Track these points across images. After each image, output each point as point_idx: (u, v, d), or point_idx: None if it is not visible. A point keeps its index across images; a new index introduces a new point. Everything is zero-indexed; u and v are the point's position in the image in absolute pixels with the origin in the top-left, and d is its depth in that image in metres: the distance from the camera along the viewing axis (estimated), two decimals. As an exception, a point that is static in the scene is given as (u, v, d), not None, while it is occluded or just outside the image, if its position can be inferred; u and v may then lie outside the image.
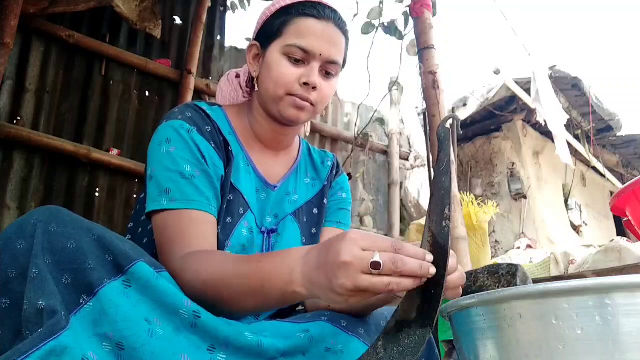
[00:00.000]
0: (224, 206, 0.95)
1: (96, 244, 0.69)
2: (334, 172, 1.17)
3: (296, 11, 0.99)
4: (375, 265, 0.62)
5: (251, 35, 1.10)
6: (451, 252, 0.67)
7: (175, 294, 0.72)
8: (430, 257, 0.66)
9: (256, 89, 1.05)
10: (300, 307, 1.07)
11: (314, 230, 1.09)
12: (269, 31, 1.01)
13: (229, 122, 1.04)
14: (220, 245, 0.93)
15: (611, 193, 6.61)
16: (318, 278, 0.68)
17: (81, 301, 0.66)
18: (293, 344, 0.80)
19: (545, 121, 4.57)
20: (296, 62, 0.97)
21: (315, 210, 1.10)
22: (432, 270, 0.64)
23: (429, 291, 0.65)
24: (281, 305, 0.81)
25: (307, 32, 0.97)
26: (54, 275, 0.65)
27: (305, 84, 0.96)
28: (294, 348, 0.80)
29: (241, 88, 1.13)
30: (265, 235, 1.01)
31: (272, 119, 1.04)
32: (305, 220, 1.07)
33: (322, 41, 0.97)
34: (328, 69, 1.00)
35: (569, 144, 5.54)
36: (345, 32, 1.03)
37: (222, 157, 0.97)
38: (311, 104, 0.99)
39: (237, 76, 1.15)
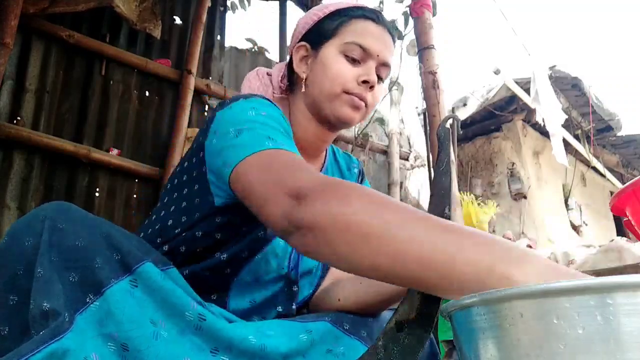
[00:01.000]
0: None
1: (104, 242, 0.69)
2: (359, 179, 1.15)
3: (354, 13, 0.99)
4: None
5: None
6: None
7: (181, 295, 0.72)
8: None
9: (300, 92, 1.01)
10: (304, 310, 1.07)
11: None
12: (323, 31, 0.99)
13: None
14: (258, 245, 0.89)
15: (611, 193, 6.62)
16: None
17: (87, 300, 0.66)
18: (295, 345, 0.80)
19: (543, 120, 4.57)
20: (353, 61, 0.96)
21: None
22: None
23: (429, 291, 0.65)
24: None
25: (366, 32, 0.97)
26: (61, 274, 0.65)
27: (365, 82, 0.95)
28: (296, 350, 0.80)
29: (272, 85, 1.09)
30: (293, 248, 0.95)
31: (319, 121, 1.00)
32: None
33: (380, 42, 0.97)
34: (380, 73, 0.99)
35: (569, 144, 5.54)
36: (394, 40, 1.03)
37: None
38: (365, 104, 0.97)
39: (268, 74, 1.11)
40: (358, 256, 0.60)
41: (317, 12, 1.03)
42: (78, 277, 0.66)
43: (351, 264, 0.61)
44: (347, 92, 0.95)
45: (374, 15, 0.99)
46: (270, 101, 0.92)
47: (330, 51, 0.97)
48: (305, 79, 1.00)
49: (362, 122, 4.16)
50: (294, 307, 0.98)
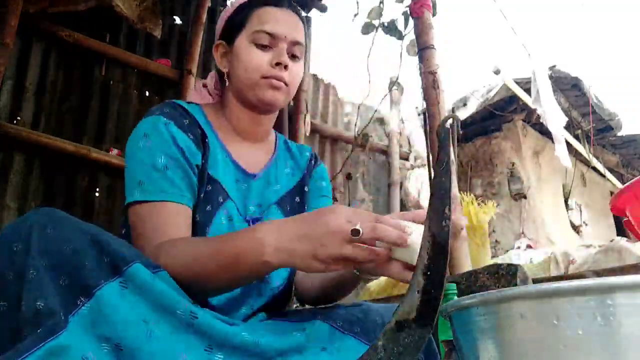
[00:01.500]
0: (202, 195, 0.98)
1: (92, 245, 0.70)
2: (312, 161, 1.21)
3: (255, 3, 1.07)
4: (355, 233, 0.69)
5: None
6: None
7: (172, 295, 0.73)
8: (409, 230, 0.73)
9: (227, 84, 1.10)
10: (296, 305, 1.09)
11: None
12: (232, 27, 1.08)
13: (206, 117, 1.08)
14: (200, 232, 0.96)
15: (611, 193, 6.62)
16: (300, 247, 0.73)
17: (79, 302, 0.66)
18: (289, 343, 0.81)
19: (545, 120, 4.57)
20: (264, 47, 1.04)
21: (297, 199, 1.14)
22: (408, 239, 0.71)
23: (429, 291, 0.65)
24: (253, 279, 0.87)
25: (269, 18, 1.05)
26: (51, 277, 0.65)
27: (277, 63, 1.03)
28: (290, 347, 0.81)
29: (209, 93, 1.19)
30: (251, 223, 1.03)
31: (248, 108, 1.08)
32: (288, 209, 1.11)
33: (285, 25, 1.05)
34: (294, 52, 1.07)
35: (569, 144, 5.54)
36: (302, 18, 1.12)
37: (199, 148, 1.00)
38: (285, 84, 1.04)
39: (204, 85, 1.21)
40: (202, 285, 0.82)
41: (226, 11, 1.14)
42: (68, 280, 0.66)
43: (205, 288, 0.84)
44: (264, 77, 1.03)
45: (272, 1, 1.07)
46: (183, 109, 1.03)
47: (242, 43, 1.05)
48: (228, 73, 1.09)
49: (360, 123, 4.17)
50: (265, 300, 1.01)
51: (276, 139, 1.20)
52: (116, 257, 0.70)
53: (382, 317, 0.93)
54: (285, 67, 1.03)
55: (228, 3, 4.06)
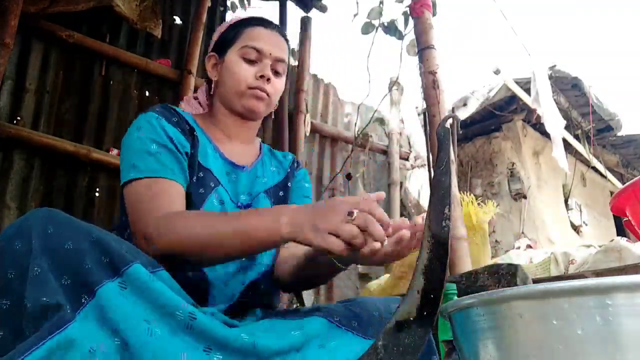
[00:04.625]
0: (194, 181, 1.07)
1: (93, 245, 0.71)
2: (294, 164, 1.33)
3: (247, 23, 1.22)
4: (350, 214, 0.79)
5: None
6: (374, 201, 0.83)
7: (171, 296, 0.74)
8: (390, 230, 0.83)
9: (216, 93, 1.23)
10: (296, 305, 1.12)
11: None
12: (225, 41, 1.23)
13: (196, 122, 1.19)
14: (194, 209, 1.04)
15: (611, 193, 6.61)
16: (306, 219, 0.82)
17: (83, 300, 0.67)
18: (287, 342, 0.83)
19: (544, 123, 4.57)
20: (251, 62, 1.18)
21: (281, 193, 1.25)
22: (384, 241, 0.80)
23: (429, 291, 0.65)
24: (260, 250, 0.95)
25: (258, 36, 1.19)
26: (54, 276, 0.66)
27: (262, 76, 1.16)
28: (289, 346, 0.82)
29: (200, 105, 1.31)
30: (242, 208, 1.13)
31: (235, 114, 1.21)
32: (274, 200, 1.21)
33: (270, 43, 1.19)
34: (277, 68, 1.20)
35: (569, 144, 5.54)
36: (287, 40, 1.26)
37: (188, 140, 1.10)
38: (267, 95, 1.18)
39: (195, 98, 1.33)
40: (211, 253, 0.90)
41: (222, 27, 1.29)
42: (71, 280, 0.67)
43: (212, 256, 0.92)
44: (250, 87, 1.16)
45: (264, 22, 1.23)
46: (173, 110, 1.15)
47: (232, 56, 1.19)
48: (217, 82, 1.22)
49: (360, 123, 4.16)
50: (254, 277, 1.09)
51: (261, 145, 1.32)
52: (115, 257, 0.71)
53: (380, 310, 0.97)
54: (268, 80, 1.17)
55: (228, 3, 4.07)
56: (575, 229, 6.30)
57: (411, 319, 0.67)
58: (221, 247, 0.89)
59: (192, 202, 1.05)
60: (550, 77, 5.03)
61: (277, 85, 1.20)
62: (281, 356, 0.80)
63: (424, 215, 0.76)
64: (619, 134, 6.47)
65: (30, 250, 0.66)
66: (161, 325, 0.71)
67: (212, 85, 1.25)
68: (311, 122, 4.05)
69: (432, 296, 0.65)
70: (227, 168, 1.17)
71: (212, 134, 1.20)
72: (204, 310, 0.81)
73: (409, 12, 2.82)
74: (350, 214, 0.79)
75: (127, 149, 1.06)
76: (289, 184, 1.28)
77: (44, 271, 0.65)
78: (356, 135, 4.25)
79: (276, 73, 1.20)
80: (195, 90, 1.54)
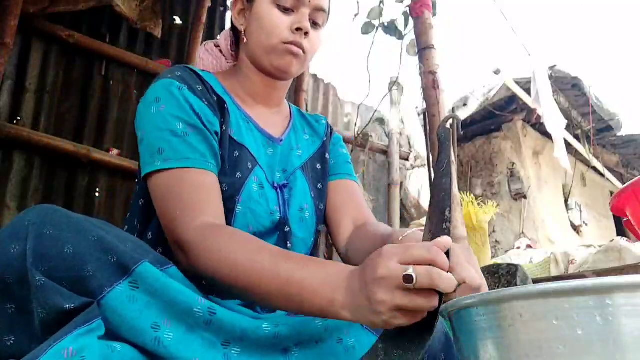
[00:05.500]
0: (228, 162, 0.94)
1: (96, 246, 0.65)
2: (329, 130, 1.18)
3: None
4: (408, 279, 0.58)
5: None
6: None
7: (187, 293, 0.69)
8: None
9: (243, 44, 1.05)
10: None
11: (320, 186, 1.09)
12: None
13: (221, 84, 1.03)
14: (230, 202, 0.91)
15: (611, 193, 6.61)
16: (361, 300, 0.64)
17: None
18: (309, 332, 0.78)
19: (545, 122, 4.58)
20: (285, 10, 0.98)
21: (318, 166, 1.10)
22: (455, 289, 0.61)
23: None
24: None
25: None
26: (52, 285, 0.61)
27: (298, 29, 0.97)
28: (309, 336, 0.78)
29: (223, 55, 1.13)
30: (279, 190, 0.99)
31: (264, 72, 1.03)
32: (311, 175, 1.07)
33: None
34: (316, 18, 1.01)
35: (569, 144, 5.54)
36: None
37: (216, 115, 0.95)
38: (303, 51, 0.99)
39: (217, 45, 1.14)
40: (252, 298, 0.76)
41: None
42: (69, 287, 0.62)
43: (252, 300, 0.80)
44: (283, 42, 0.97)
45: None
46: (196, 74, 0.97)
47: (263, 2, 0.99)
48: (245, 32, 1.03)
49: (360, 123, 4.17)
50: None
51: (290, 107, 1.16)
52: (123, 256, 0.66)
53: None
54: (306, 33, 0.98)
55: (228, 3, 4.07)
56: (575, 229, 6.30)
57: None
58: (267, 301, 0.74)
59: (228, 190, 0.90)
60: (550, 77, 5.03)
61: (315, 40, 1.02)
62: (299, 347, 0.76)
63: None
64: (619, 134, 6.48)
65: (26, 255, 0.61)
66: (175, 325, 0.67)
67: (240, 36, 1.05)
68: (311, 122, 4.05)
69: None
70: (263, 141, 1.02)
71: (240, 98, 1.04)
72: (224, 303, 0.78)
73: (409, 12, 2.82)
74: (407, 279, 0.59)
75: (146, 126, 0.90)
76: (327, 155, 1.13)
77: (42, 279, 0.61)
78: (356, 135, 4.26)
79: (315, 24, 1.01)
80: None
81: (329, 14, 1.05)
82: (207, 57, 1.14)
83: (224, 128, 0.95)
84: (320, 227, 1.09)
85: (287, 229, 0.97)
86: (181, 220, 0.81)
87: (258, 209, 0.94)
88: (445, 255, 0.61)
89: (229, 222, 0.91)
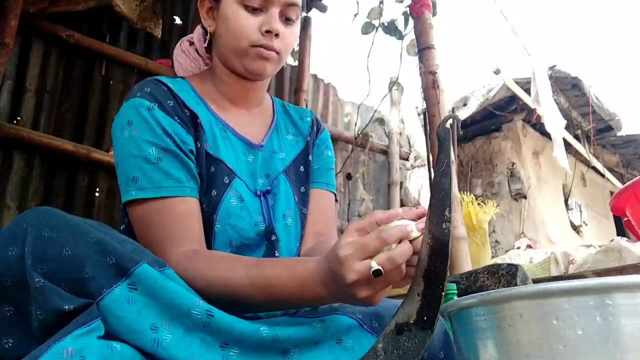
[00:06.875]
0: (206, 180, 0.92)
1: (94, 247, 0.65)
2: (315, 127, 1.12)
3: None
4: (377, 273, 0.65)
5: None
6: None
7: (186, 295, 0.69)
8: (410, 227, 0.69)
9: (213, 46, 1.01)
10: None
11: (302, 189, 1.06)
12: None
13: (195, 91, 0.99)
14: (208, 221, 0.90)
15: (611, 193, 6.61)
16: (347, 299, 0.71)
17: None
18: (307, 333, 0.78)
19: (545, 122, 4.58)
20: (254, 10, 0.92)
21: (301, 169, 1.07)
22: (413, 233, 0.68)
23: (429, 295, 0.65)
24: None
25: None
26: (51, 287, 0.61)
27: (268, 31, 0.92)
28: (309, 338, 0.78)
29: (200, 56, 1.09)
30: (262, 197, 0.97)
31: (237, 75, 0.99)
32: (294, 179, 1.04)
33: None
34: (288, 14, 0.95)
35: (569, 144, 5.54)
36: None
37: (190, 132, 0.92)
38: (276, 52, 0.94)
39: (191, 44, 1.10)
40: (241, 309, 0.79)
41: None
42: (68, 289, 0.62)
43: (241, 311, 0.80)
44: (253, 45, 0.92)
45: None
46: (166, 87, 0.94)
47: (230, 3, 0.93)
48: (214, 34, 0.99)
49: (360, 123, 4.17)
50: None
51: (273, 103, 1.11)
52: (121, 257, 0.66)
53: None
54: (277, 34, 0.92)
55: None
56: (575, 229, 6.30)
57: (411, 321, 0.66)
58: (251, 310, 0.82)
59: (207, 208, 0.90)
60: (550, 77, 5.03)
61: (289, 38, 0.96)
62: (299, 348, 0.76)
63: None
64: (619, 134, 6.47)
65: (24, 257, 0.62)
66: (173, 327, 0.67)
67: (211, 37, 1.01)
68: (311, 122, 4.05)
69: (432, 300, 0.64)
70: (242, 148, 0.98)
71: (217, 104, 1.00)
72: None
73: (409, 12, 2.82)
74: (376, 273, 0.64)
75: (119, 151, 0.89)
76: (310, 157, 1.08)
77: (41, 282, 0.61)
78: (356, 135, 4.26)
79: (287, 20, 0.95)
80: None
81: (302, 5, 0.99)
82: (185, 59, 1.11)
83: (199, 144, 0.92)
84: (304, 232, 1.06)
85: (273, 237, 0.95)
86: (162, 251, 0.81)
87: (240, 224, 0.92)
88: (390, 232, 0.66)
89: (209, 240, 0.90)
